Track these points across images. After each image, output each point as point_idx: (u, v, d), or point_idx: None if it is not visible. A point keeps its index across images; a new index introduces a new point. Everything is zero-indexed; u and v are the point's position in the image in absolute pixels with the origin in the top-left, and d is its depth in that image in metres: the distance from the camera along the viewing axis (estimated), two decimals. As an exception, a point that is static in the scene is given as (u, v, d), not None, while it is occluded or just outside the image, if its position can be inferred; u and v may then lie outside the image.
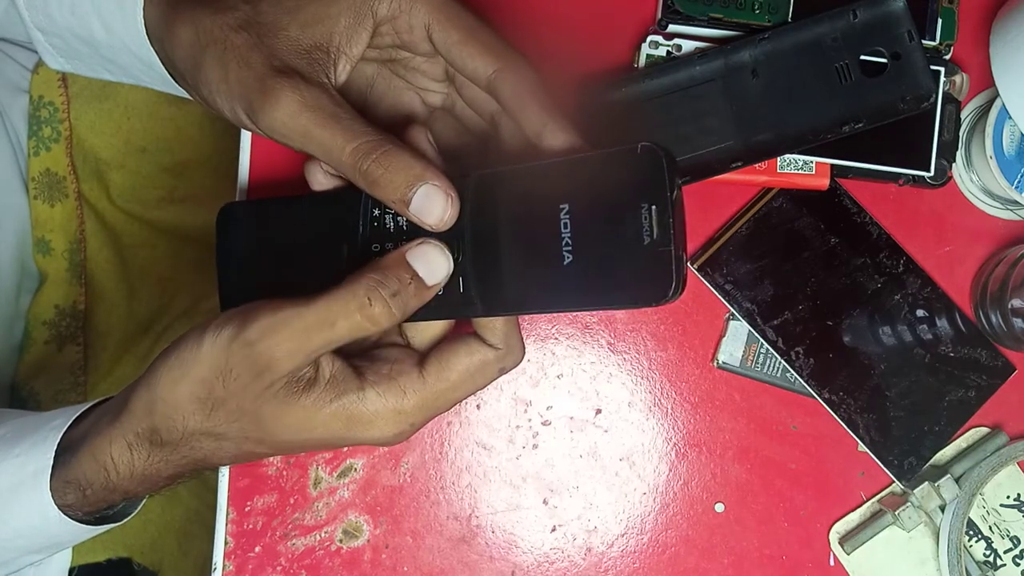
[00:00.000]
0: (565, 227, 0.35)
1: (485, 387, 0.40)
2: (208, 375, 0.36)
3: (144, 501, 0.45)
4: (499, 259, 0.37)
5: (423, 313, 0.38)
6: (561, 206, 0.35)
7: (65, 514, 0.41)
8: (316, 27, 0.38)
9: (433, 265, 0.37)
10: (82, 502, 0.40)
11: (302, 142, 0.37)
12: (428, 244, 0.37)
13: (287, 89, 0.36)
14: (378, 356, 0.40)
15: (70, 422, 0.42)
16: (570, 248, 0.35)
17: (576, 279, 0.35)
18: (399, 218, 0.39)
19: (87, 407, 0.43)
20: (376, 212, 0.39)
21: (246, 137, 0.51)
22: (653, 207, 0.33)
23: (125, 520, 0.45)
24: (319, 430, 0.38)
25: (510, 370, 0.40)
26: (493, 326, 0.39)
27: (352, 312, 0.35)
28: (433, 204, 0.36)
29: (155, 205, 0.75)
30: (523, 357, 0.40)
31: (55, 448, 0.41)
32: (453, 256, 0.37)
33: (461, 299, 0.38)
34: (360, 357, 0.40)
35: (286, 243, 0.42)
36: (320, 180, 0.41)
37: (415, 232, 0.38)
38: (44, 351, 0.72)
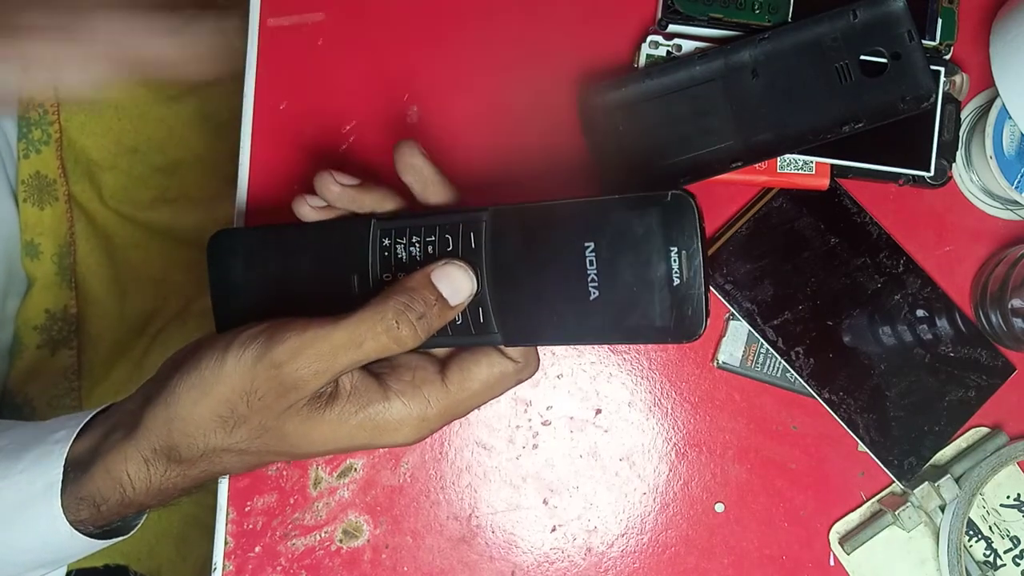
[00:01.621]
0: (591, 264, 0.36)
1: (502, 395, 0.41)
2: (231, 395, 0.36)
3: (148, 512, 0.45)
4: (520, 292, 0.37)
5: (444, 340, 0.39)
6: (586, 244, 0.36)
7: (76, 529, 0.40)
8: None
9: (457, 285, 0.37)
10: (95, 517, 0.40)
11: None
12: (452, 265, 0.37)
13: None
14: (398, 363, 0.40)
15: (75, 435, 0.41)
16: (596, 284, 0.36)
17: (602, 315, 0.36)
18: (411, 248, 0.39)
19: (89, 417, 0.42)
20: (386, 242, 0.40)
21: (246, 139, 0.51)
22: (684, 252, 0.35)
23: (131, 533, 0.44)
24: (344, 440, 0.38)
25: (526, 380, 0.41)
26: None
27: (379, 333, 0.36)
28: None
29: (148, 205, 0.74)
30: (538, 368, 0.41)
31: (63, 462, 0.40)
32: None
33: (482, 329, 0.38)
34: (378, 363, 0.40)
35: (289, 273, 0.43)
36: (307, 214, 0.42)
37: (429, 262, 0.38)
38: (36, 356, 0.71)
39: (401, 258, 0.39)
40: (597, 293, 0.36)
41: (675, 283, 0.35)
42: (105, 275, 0.73)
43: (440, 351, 0.41)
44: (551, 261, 0.37)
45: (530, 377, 0.41)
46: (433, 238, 0.39)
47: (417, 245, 0.39)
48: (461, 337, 0.39)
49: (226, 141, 0.74)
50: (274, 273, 0.43)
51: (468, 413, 0.40)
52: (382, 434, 0.38)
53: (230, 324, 0.42)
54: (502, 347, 0.39)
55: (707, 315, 0.35)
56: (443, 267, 0.37)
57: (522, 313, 0.38)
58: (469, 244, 0.38)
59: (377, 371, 0.39)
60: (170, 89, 0.73)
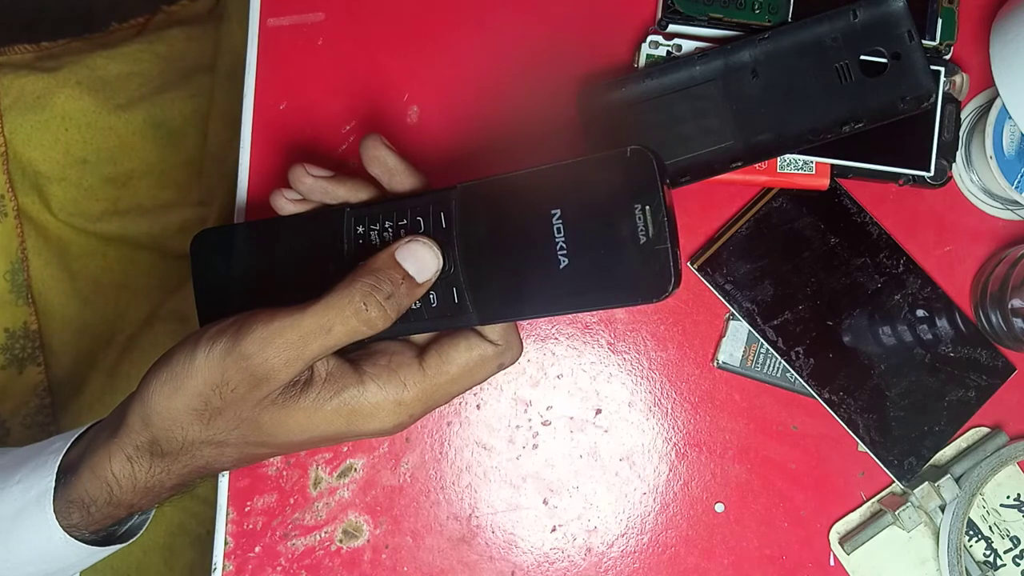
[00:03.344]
0: (558, 231, 0.35)
1: (484, 381, 0.40)
2: (203, 388, 0.36)
3: (150, 520, 0.45)
4: (492, 268, 0.37)
5: (420, 325, 0.39)
6: (552, 211, 0.35)
7: (70, 535, 0.40)
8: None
9: (422, 262, 0.37)
10: (87, 520, 0.40)
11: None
12: (416, 242, 0.37)
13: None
14: (375, 348, 0.40)
15: (69, 443, 0.41)
16: (565, 252, 0.35)
17: (573, 282, 0.35)
18: (385, 233, 0.39)
19: (84, 428, 0.43)
20: (360, 229, 0.40)
21: (246, 139, 0.51)
22: (647, 207, 0.34)
23: (132, 540, 0.44)
24: (321, 427, 0.38)
25: (509, 366, 0.40)
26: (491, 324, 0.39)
27: (348, 317, 0.35)
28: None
29: (99, 217, 0.72)
30: (521, 353, 0.41)
31: (56, 470, 0.40)
32: (445, 268, 0.38)
33: (456, 309, 0.38)
34: (354, 349, 0.39)
35: (267, 266, 0.43)
36: (284, 207, 0.42)
37: None
38: (2, 377, 0.70)
39: (375, 244, 0.39)
40: (566, 261, 0.35)
41: (641, 241, 0.34)
42: (62, 288, 0.71)
43: (420, 338, 0.41)
44: (520, 233, 0.36)
45: (513, 362, 0.40)
46: (405, 221, 0.39)
47: (390, 230, 0.39)
48: (437, 320, 0.39)
49: (178, 149, 0.72)
50: (254, 267, 0.43)
51: (449, 400, 0.40)
52: (358, 420, 0.38)
53: (213, 319, 0.43)
54: (481, 329, 0.39)
55: (676, 272, 0.34)
56: (407, 245, 0.37)
57: (495, 289, 0.37)
58: (440, 223, 0.38)
59: (353, 357, 0.39)
60: (118, 97, 0.71)
